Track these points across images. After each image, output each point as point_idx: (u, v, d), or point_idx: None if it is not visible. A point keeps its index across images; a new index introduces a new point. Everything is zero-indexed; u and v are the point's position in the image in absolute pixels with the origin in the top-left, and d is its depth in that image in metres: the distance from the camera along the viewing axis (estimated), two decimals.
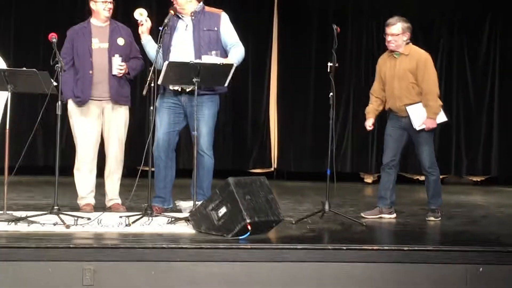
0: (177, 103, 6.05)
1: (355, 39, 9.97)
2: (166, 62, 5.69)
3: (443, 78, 9.97)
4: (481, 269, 4.83)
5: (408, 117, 6.25)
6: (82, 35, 6.22)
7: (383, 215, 6.36)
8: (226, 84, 5.91)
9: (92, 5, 6.26)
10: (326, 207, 5.99)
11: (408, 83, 6.24)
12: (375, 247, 4.93)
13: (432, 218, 6.29)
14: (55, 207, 5.49)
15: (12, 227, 5.23)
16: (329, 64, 6.07)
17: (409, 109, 6.22)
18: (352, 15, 10.03)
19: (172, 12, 5.90)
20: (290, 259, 4.77)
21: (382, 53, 9.83)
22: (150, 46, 6.06)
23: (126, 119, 6.33)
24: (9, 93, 5.55)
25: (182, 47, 5.96)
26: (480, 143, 10.07)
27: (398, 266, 4.83)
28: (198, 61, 5.77)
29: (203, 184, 6.04)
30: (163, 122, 6.04)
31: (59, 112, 5.61)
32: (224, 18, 6.08)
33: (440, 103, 6.29)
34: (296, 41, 9.92)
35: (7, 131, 5.58)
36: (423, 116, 6.21)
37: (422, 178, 9.63)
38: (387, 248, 4.95)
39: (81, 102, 6.17)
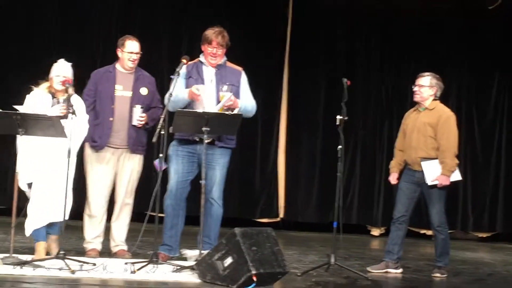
0: (193, 152, 6.07)
1: (364, 90, 10.04)
2: (176, 112, 5.73)
3: None
4: None
5: (421, 171, 6.25)
6: (106, 80, 6.26)
7: (389, 270, 6.33)
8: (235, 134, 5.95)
9: (119, 52, 6.34)
10: (332, 260, 5.97)
11: (426, 136, 6.26)
12: None
13: (438, 275, 6.25)
14: (61, 252, 5.48)
15: (17, 271, 5.23)
16: (338, 117, 6.11)
17: (424, 164, 6.23)
18: (361, 64, 10.12)
19: (184, 61, 5.96)
20: None
21: (390, 104, 10.12)
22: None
23: (139, 168, 6.36)
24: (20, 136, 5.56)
25: (210, 99, 5.99)
26: (486, 199, 10.06)
27: None
28: (207, 110, 5.82)
29: (211, 233, 6.04)
30: (178, 171, 6.07)
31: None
32: (244, 76, 6.21)
33: (457, 161, 6.28)
34: (305, 92, 10.00)
35: (17, 173, 5.61)
36: (437, 172, 6.21)
37: (429, 232, 9.66)
38: None
39: (98, 147, 6.19)
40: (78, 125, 5.76)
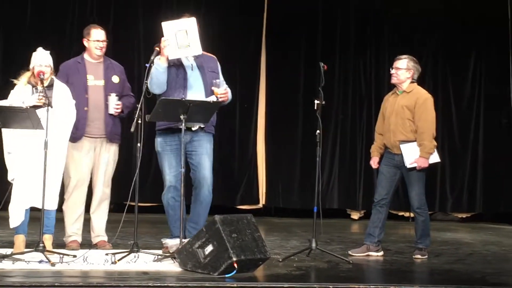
0: (179, 143, 6.04)
1: (342, 75, 10.06)
2: (159, 99, 5.69)
3: None
4: None
5: (401, 154, 6.28)
6: (77, 71, 6.22)
7: (370, 253, 6.35)
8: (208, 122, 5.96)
9: (85, 42, 6.30)
10: (313, 244, 5.98)
11: (404, 119, 6.27)
12: (361, 286, 4.91)
13: (419, 257, 6.29)
14: (41, 245, 5.43)
15: None
16: (316, 101, 6.10)
17: (403, 146, 6.25)
18: (340, 50, 10.13)
19: (158, 49, 5.92)
20: None
21: (369, 89, 10.15)
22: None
23: (116, 157, 6.34)
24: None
25: (197, 87, 5.99)
26: (465, 180, 10.14)
27: None
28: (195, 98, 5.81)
29: (200, 220, 5.99)
30: (172, 165, 6.03)
31: None
32: (218, 63, 6.21)
33: (435, 143, 6.31)
34: (283, 76, 9.99)
35: None
36: (415, 154, 6.23)
37: (408, 214, 9.73)
38: (373, 286, 4.93)
39: (75, 139, 6.14)
40: (65, 112, 5.74)
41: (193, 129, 5.96)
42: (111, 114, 6.17)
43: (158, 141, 6.09)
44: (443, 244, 7.47)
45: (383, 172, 6.41)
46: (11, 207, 5.69)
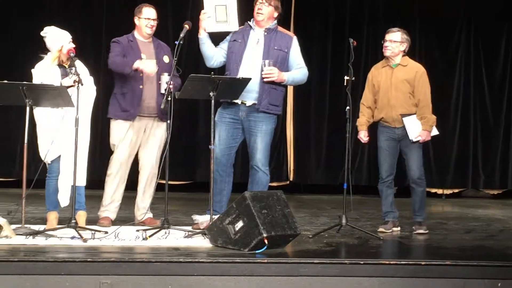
0: (236, 118, 6.05)
1: (371, 52, 9.97)
2: (190, 76, 5.70)
3: (461, 92, 9.99)
4: (499, 284, 4.78)
5: (402, 127, 6.25)
6: (131, 49, 6.21)
7: (394, 228, 6.35)
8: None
9: (136, 20, 6.31)
10: (343, 221, 5.97)
11: (405, 93, 6.25)
12: (392, 262, 4.90)
13: (421, 231, 6.27)
14: (73, 221, 5.49)
15: (30, 241, 5.26)
16: (346, 77, 6.07)
17: (405, 120, 6.22)
18: (368, 25, 10.04)
19: (187, 26, 5.93)
20: (307, 274, 4.74)
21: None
22: (208, 44, 6.12)
23: (164, 136, 6.28)
24: (28, 107, 5.55)
25: (253, 62, 6.00)
26: (497, 156, 10.04)
27: (416, 281, 4.79)
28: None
29: None
30: (222, 138, 6.04)
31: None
32: (295, 42, 6.17)
33: (435, 117, 6.30)
34: (312, 53, 9.92)
35: (26, 144, 5.60)
36: (418, 128, 6.22)
37: (441, 191, 9.67)
38: (404, 262, 4.91)
39: (130, 116, 6.16)
40: (86, 89, 5.76)
41: (247, 104, 5.96)
42: (162, 94, 6.08)
43: (219, 111, 6.10)
44: (474, 221, 7.42)
45: (385, 147, 6.36)
46: (61, 186, 5.75)
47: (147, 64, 6.05)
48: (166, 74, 6.08)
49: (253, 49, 6.03)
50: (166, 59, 6.30)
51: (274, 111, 6.08)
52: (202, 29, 6.06)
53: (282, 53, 6.04)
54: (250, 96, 5.94)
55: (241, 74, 5.93)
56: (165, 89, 5.79)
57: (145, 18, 6.24)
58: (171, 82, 5.78)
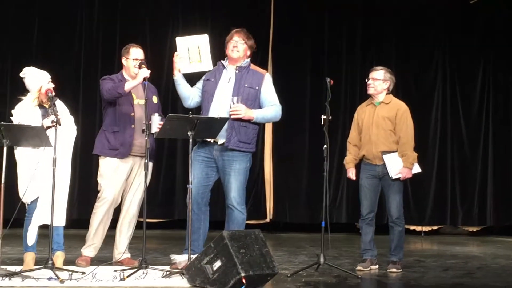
0: (210, 157, 6.05)
1: (349, 90, 10.06)
2: (168, 116, 5.72)
3: (438, 128, 10.09)
4: None
5: (382, 165, 6.30)
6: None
7: (372, 266, 6.37)
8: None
9: (123, 60, 6.34)
10: (321, 259, 5.98)
11: (386, 130, 6.32)
12: None
13: (394, 270, 6.27)
14: (50, 262, 5.44)
15: (6, 283, 5.20)
16: (323, 116, 6.12)
17: (386, 157, 6.28)
18: (346, 64, 10.15)
19: (143, 66, 6.05)
20: None
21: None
22: (184, 85, 6.18)
23: (150, 175, 6.21)
24: (6, 147, 5.54)
25: (223, 99, 6.02)
26: (475, 193, 10.11)
27: None
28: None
29: None
30: (196, 177, 6.02)
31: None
32: (267, 79, 6.17)
33: (416, 154, 6.35)
34: (290, 91, 9.99)
35: (2, 184, 5.57)
36: (398, 165, 6.27)
37: (419, 228, 9.70)
38: None
39: (120, 155, 6.17)
40: (66, 129, 5.76)
41: (219, 143, 5.97)
42: (151, 134, 6.05)
43: (194, 149, 6.09)
44: (452, 258, 7.45)
45: (365, 185, 6.41)
46: (32, 224, 5.72)
47: (140, 73, 6.05)
48: (156, 115, 6.09)
49: (224, 87, 6.07)
50: (154, 99, 6.34)
51: (245, 148, 6.03)
52: (177, 71, 6.10)
53: (253, 90, 6.05)
54: (221, 134, 5.93)
55: (212, 112, 5.96)
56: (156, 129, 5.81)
57: (133, 59, 6.27)
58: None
